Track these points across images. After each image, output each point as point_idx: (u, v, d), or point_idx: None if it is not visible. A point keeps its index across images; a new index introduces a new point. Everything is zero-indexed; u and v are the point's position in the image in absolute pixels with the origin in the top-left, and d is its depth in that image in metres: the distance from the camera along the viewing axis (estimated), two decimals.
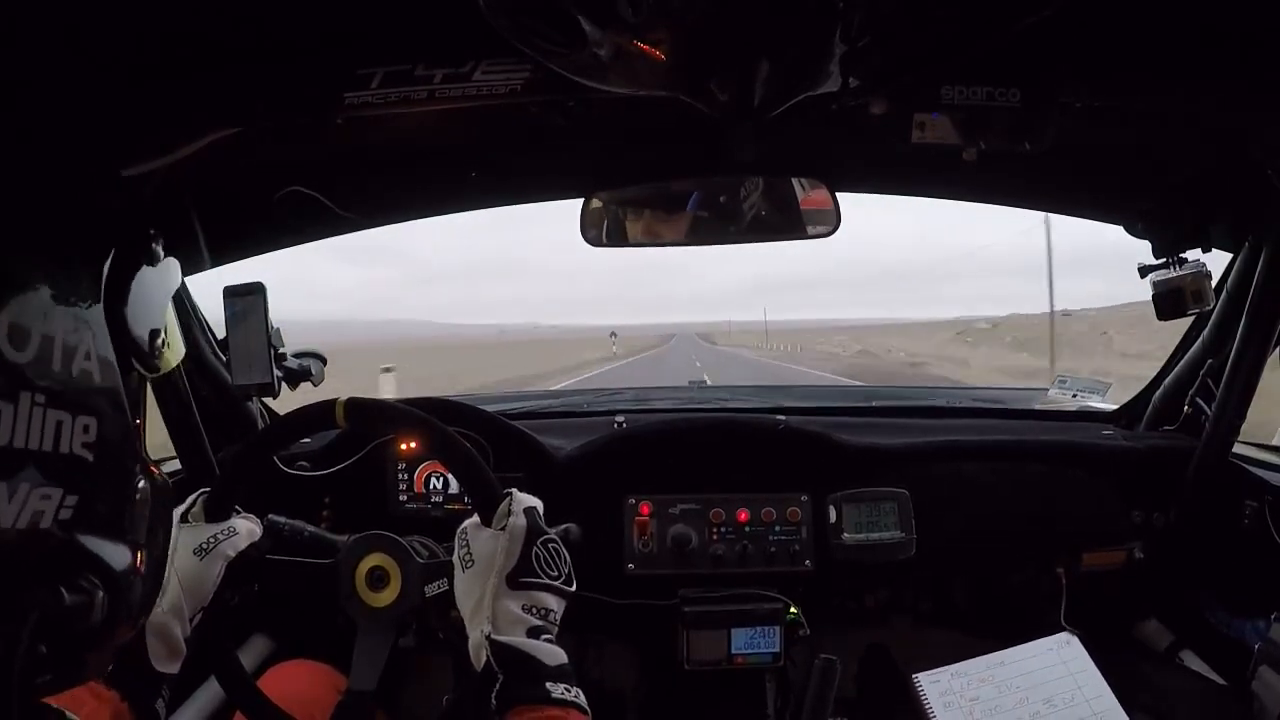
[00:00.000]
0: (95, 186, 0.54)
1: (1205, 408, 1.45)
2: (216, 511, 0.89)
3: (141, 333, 0.54)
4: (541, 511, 0.85)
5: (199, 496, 0.90)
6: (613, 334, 41.88)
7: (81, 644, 0.45)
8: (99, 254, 0.50)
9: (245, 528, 0.91)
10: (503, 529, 0.80)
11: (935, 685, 1.13)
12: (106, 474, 0.47)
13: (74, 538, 0.44)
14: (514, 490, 0.84)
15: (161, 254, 0.56)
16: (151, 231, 0.56)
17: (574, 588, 0.82)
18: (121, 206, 0.57)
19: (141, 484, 0.50)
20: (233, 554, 0.87)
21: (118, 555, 0.47)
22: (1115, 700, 1.09)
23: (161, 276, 0.56)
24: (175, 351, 0.59)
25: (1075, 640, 1.17)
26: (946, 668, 1.15)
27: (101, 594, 0.45)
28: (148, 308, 0.54)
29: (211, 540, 0.86)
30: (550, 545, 0.81)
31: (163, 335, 0.56)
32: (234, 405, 1.43)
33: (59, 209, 0.47)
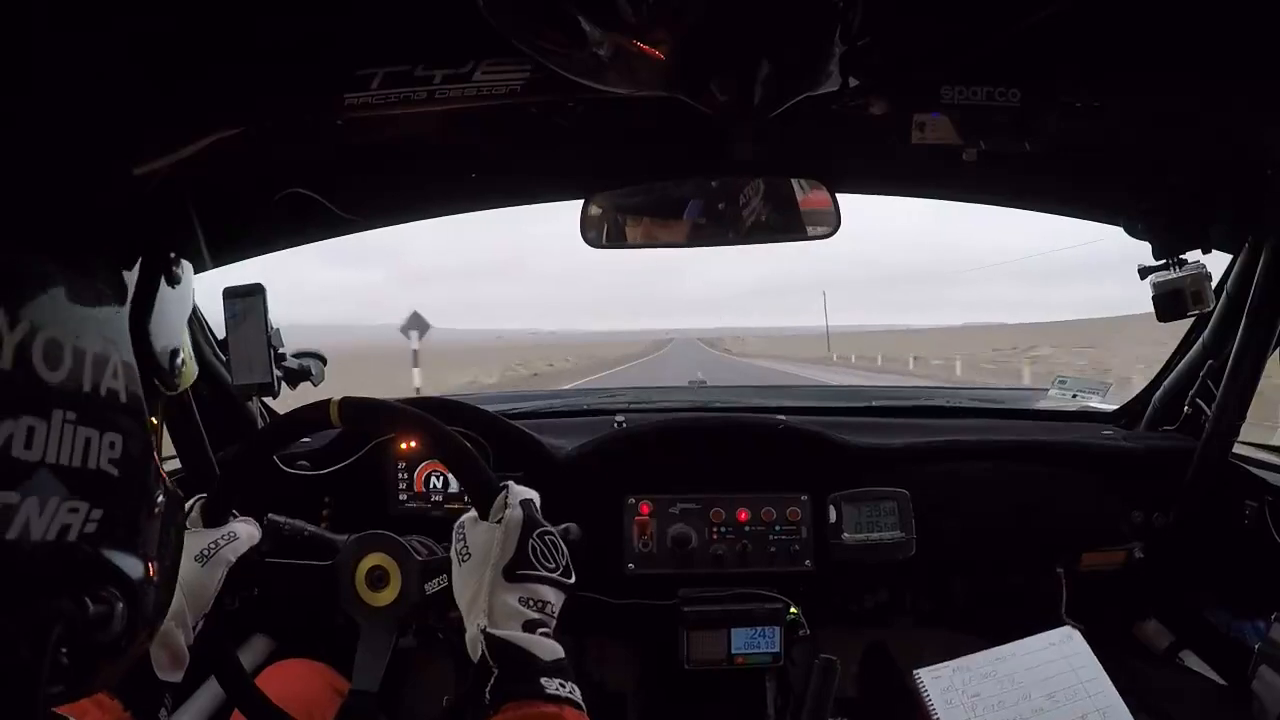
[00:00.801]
0: (114, 193, 0.55)
1: (1205, 408, 1.45)
2: (214, 516, 0.89)
3: (163, 353, 0.55)
4: (539, 504, 0.84)
5: (196, 502, 0.90)
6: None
7: (100, 655, 0.46)
8: (124, 270, 0.51)
9: (245, 531, 0.91)
10: (499, 521, 0.80)
11: (937, 681, 1.12)
12: (129, 489, 0.48)
13: (98, 550, 0.45)
14: (510, 483, 0.84)
15: (182, 275, 0.57)
16: (173, 255, 0.57)
17: (572, 580, 0.82)
18: (138, 215, 0.58)
19: (160, 498, 0.51)
20: (233, 559, 0.87)
21: (136, 567, 0.48)
22: (1118, 695, 1.09)
23: (180, 296, 0.58)
24: (192, 370, 0.61)
25: (1077, 635, 1.17)
26: (948, 663, 1.14)
27: (121, 605, 0.46)
28: (168, 327, 0.56)
29: (213, 546, 0.86)
30: (547, 537, 0.81)
31: (182, 354, 0.57)
32: (234, 405, 1.43)
33: (83, 221, 0.48)
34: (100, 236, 0.50)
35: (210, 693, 1.19)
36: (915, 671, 1.14)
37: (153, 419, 0.51)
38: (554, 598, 0.79)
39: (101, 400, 0.45)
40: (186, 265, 0.58)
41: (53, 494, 0.41)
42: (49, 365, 0.41)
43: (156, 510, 0.51)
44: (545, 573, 0.78)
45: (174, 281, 0.56)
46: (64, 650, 0.42)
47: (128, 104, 0.64)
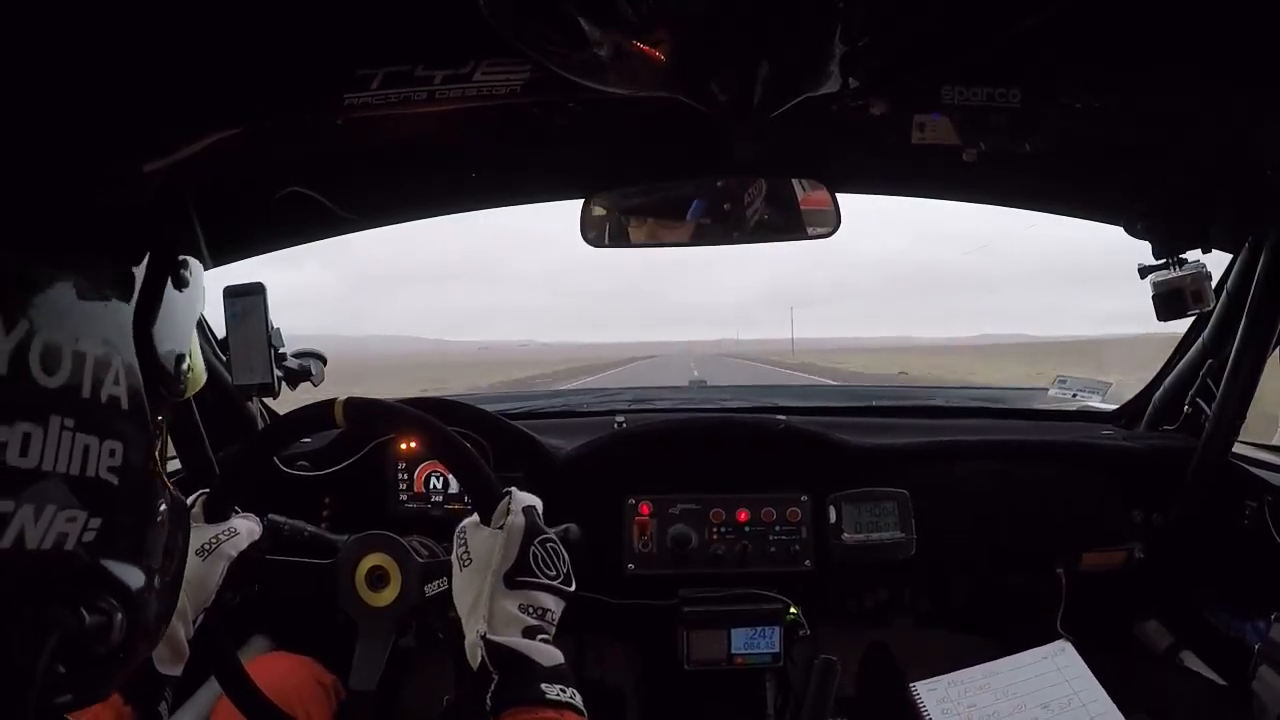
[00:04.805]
0: (119, 193, 0.54)
1: (1205, 408, 1.45)
2: (216, 512, 0.89)
3: (168, 358, 0.54)
4: (541, 511, 0.84)
5: (198, 497, 0.90)
6: None
7: (100, 664, 0.45)
8: (129, 273, 0.50)
9: (246, 527, 0.91)
10: (501, 528, 0.80)
11: (933, 693, 1.14)
12: (130, 498, 0.47)
13: (96, 560, 0.44)
14: (513, 489, 0.84)
15: (190, 278, 0.56)
16: (181, 257, 0.55)
17: (573, 588, 0.82)
18: (144, 216, 0.57)
19: (162, 507, 0.51)
20: (234, 554, 0.88)
21: (137, 577, 0.47)
22: (1112, 704, 1.09)
23: (188, 299, 0.56)
24: (198, 377, 0.59)
25: (1069, 648, 1.18)
26: (943, 676, 1.16)
27: (120, 615, 0.45)
28: (174, 331, 0.54)
29: (214, 541, 0.86)
30: (549, 545, 0.81)
31: (188, 361, 0.56)
32: (234, 405, 1.43)
33: (85, 222, 0.48)
34: (103, 238, 0.49)
35: (211, 691, 1.19)
36: (911, 685, 1.15)
37: (157, 428, 0.50)
38: (554, 605, 0.79)
39: (102, 406, 0.44)
40: (196, 267, 0.57)
41: (50, 502, 0.41)
42: (47, 370, 0.41)
43: (159, 519, 0.50)
44: (546, 580, 0.79)
45: (181, 284, 0.55)
46: (60, 660, 0.42)
47: (128, 104, 0.64)
